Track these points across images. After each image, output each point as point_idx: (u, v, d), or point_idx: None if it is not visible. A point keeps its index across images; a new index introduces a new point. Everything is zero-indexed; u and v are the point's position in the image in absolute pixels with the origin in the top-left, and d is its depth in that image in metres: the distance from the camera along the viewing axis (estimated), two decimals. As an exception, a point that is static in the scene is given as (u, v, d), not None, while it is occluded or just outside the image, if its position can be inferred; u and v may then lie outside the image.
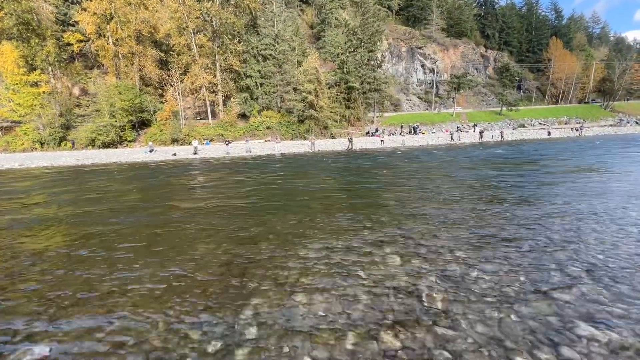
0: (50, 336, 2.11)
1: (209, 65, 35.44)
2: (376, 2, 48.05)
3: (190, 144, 28.84)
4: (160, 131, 33.39)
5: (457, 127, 42.74)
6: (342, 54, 38.47)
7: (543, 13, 75.85)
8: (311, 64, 34.68)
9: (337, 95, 38.05)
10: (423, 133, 40.90)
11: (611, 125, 48.62)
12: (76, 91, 36.73)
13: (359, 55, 38.69)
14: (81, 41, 34.74)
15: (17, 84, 30.65)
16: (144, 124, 34.69)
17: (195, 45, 34.29)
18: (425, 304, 2.35)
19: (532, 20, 71.46)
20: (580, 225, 4.08)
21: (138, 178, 12.29)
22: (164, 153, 25.26)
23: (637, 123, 51.47)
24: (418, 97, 57.41)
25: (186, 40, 33.92)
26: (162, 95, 35.78)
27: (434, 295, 2.45)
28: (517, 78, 61.45)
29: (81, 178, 12.76)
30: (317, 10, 55.60)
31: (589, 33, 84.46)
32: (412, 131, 41.10)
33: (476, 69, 63.47)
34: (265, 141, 32.97)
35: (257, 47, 36.60)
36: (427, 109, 54.27)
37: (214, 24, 35.18)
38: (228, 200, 6.94)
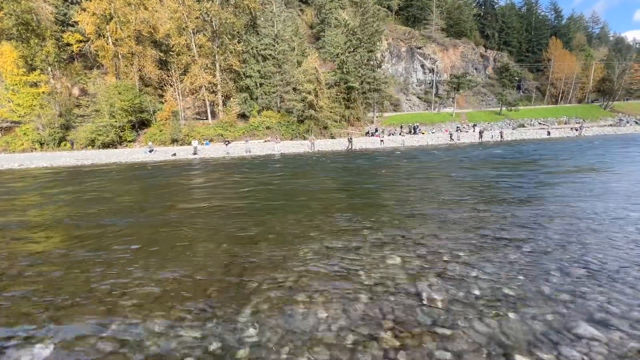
0: (50, 337, 2.11)
1: (209, 66, 35.43)
2: (376, 2, 48.05)
3: (189, 144, 28.83)
4: (160, 131, 33.37)
5: (457, 127, 42.75)
6: (341, 54, 38.46)
7: (542, 13, 75.91)
8: (311, 64, 34.67)
9: (337, 95, 38.05)
10: (423, 133, 40.90)
11: (611, 125, 48.63)
12: (76, 91, 36.70)
13: (358, 55, 38.69)
14: (81, 41, 34.72)
15: (16, 84, 30.63)
16: (143, 124, 34.68)
17: (195, 45, 34.28)
18: (425, 304, 2.34)
19: (532, 20, 71.46)
20: (580, 225, 4.08)
21: (137, 178, 12.28)
22: (164, 153, 25.24)
23: (636, 123, 51.50)
24: (418, 97, 57.41)
25: (186, 41, 33.91)
26: (161, 96, 35.77)
27: (434, 295, 2.45)
28: (516, 78, 61.46)
29: (80, 178, 12.75)
30: (317, 10, 55.58)
31: (588, 33, 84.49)
32: (412, 131, 41.10)
33: (476, 69, 63.48)
34: (265, 141, 32.96)
35: (256, 47, 36.60)
36: (426, 109, 54.27)
37: (213, 24, 35.18)
38: (227, 200, 6.94)
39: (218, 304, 2.44)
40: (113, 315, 2.33)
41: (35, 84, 31.33)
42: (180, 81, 34.31)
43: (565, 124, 49.77)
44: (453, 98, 52.22)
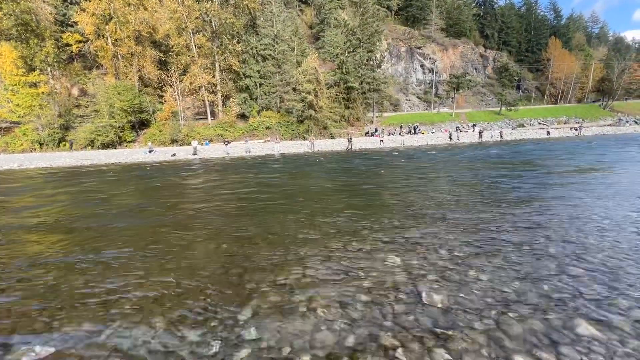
0: (49, 338, 2.10)
1: (208, 66, 35.40)
2: (375, 2, 48.01)
3: (189, 144, 28.81)
4: (160, 131, 33.35)
5: (457, 127, 42.74)
6: (341, 54, 38.44)
7: (542, 13, 75.86)
8: (310, 64, 34.65)
9: (337, 95, 38.03)
10: (422, 133, 40.90)
11: (610, 125, 48.63)
12: (75, 92, 36.66)
13: (358, 56, 38.67)
14: (80, 42, 34.67)
15: (16, 84, 30.59)
16: (143, 124, 34.65)
17: (195, 45, 34.25)
18: (425, 303, 2.34)
19: (531, 20, 71.48)
20: (580, 224, 4.08)
21: (137, 179, 12.27)
22: (164, 153, 25.23)
23: (636, 122, 51.52)
24: (417, 97, 57.41)
25: (185, 41, 33.88)
26: (161, 96, 35.73)
27: (434, 295, 2.45)
28: (516, 78, 61.46)
29: (80, 179, 12.74)
30: (317, 11, 55.56)
31: (587, 33, 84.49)
32: (412, 131, 41.10)
33: (475, 68, 63.48)
34: (265, 141, 32.94)
35: (256, 47, 36.58)
36: (426, 109, 54.26)
37: (213, 24, 35.15)
38: (227, 200, 6.94)
39: (218, 304, 2.44)
40: (113, 315, 2.33)
41: (34, 84, 31.29)
42: (180, 81, 34.28)
43: (564, 123, 49.77)
44: (453, 98, 52.21)
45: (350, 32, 39.49)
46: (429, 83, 57.83)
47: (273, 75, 37.10)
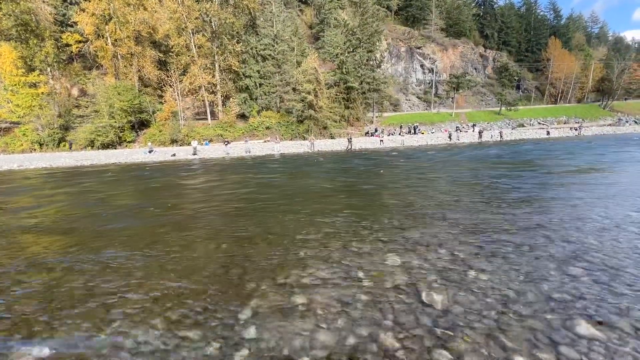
0: (48, 339, 2.10)
1: (208, 66, 35.40)
2: (375, 2, 48.03)
3: (189, 144, 28.80)
4: (160, 132, 33.35)
5: (457, 127, 42.74)
6: (341, 54, 38.45)
7: (542, 13, 75.87)
8: (310, 64, 34.65)
9: (337, 95, 38.03)
10: (422, 133, 40.90)
11: (610, 125, 48.66)
12: (75, 92, 36.65)
13: (358, 56, 38.68)
14: (80, 42, 34.67)
15: (15, 84, 30.57)
16: (143, 124, 34.64)
17: (194, 45, 34.24)
18: (425, 303, 2.34)
19: (531, 20, 71.50)
20: (579, 224, 4.08)
21: (137, 179, 12.27)
22: (164, 154, 25.23)
23: (635, 122, 51.55)
24: (417, 97, 57.40)
25: (185, 41, 33.87)
26: (161, 96, 35.73)
27: (434, 295, 2.44)
28: (516, 78, 61.47)
29: (79, 179, 12.73)
30: (316, 11, 55.56)
31: (587, 33, 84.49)
32: (412, 131, 41.11)
33: (475, 68, 63.49)
34: (265, 141, 32.94)
35: (256, 48, 36.57)
36: (426, 109, 54.27)
37: (212, 24, 35.15)
38: (227, 201, 6.94)
39: (218, 304, 2.44)
40: (112, 316, 2.33)
41: (34, 85, 31.27)
42: (180, 81, 34.28)
43: (564, 123, 49.80)
44: (452, 98, 52.23)
45: (350, 32, 39.50)
46: (429, 83, 57.84)
47: (273, 75, 37.10)
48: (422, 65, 58.44)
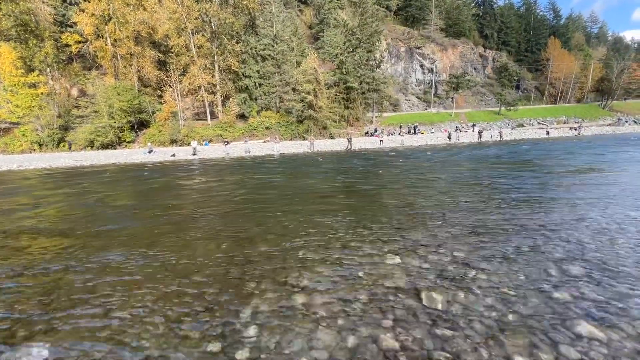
0: (48, 339, 2.10)
1: (208, 66, 35.38)
2: (375, 2, 48.05)
3: (189, 144, 28.79)
4: (159, 132, 33.33)
5: (456, 127, 42.75)
6: (340, 54, 38.45)
7: (541, 13, 75.92)
8: (310, 64, 34.65)
9: (336, 95, 38.03)
10: (422, 133, 40.91)
11: (609, 125, 48.69)
12: (75, 92, 36.63)
13: (357, 56, 38.69)
14: (79, 42, 34.62)
15: (15, 85, 30.53)
16: (142, 124, 34.62)
17: (194, 45, 34.23)
18: (424, 304, 2.34)
19: (531, 20, 71.55)
20: (579, 224, 4.08)
21: (137, 179, 12.26)
22: (163, 154, 25.22)
23: (635, 122, 51.58)
24: (417, 97, 57.41)
25: (185, 41, 33.85)
26: (160, 96, 35.72)
27: (433, 295, 2.44)
28: (515, 78, 61.52)
29: (79, 180, 12.73)
30: (316, 11, 55.56)
31: (587, 33, 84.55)
32: (411, 131, 41.12)
33: (475, 68, 63.51)
34: (264, 141, 32.94)
35: (255, 48, 36.57)
36: (426, 109, 54.27)
37: (212, 24, 35.14)
38: (227, 201, 6.94)
39: (218, 304, 2.44)
40: (112, 316, 2.33)
41: (33, 85, 31.23)
42: (179, 82, 34.27)
43: (564, 123, 49.82)
44: (452, 98, 52.26)
45: (350, 32, 39.52)
46: (429, 83, 57.86)
47: (272, 76, 37.09)
48: (421, 65, 58.46)
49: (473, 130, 40.26)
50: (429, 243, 3.57)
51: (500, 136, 33.09)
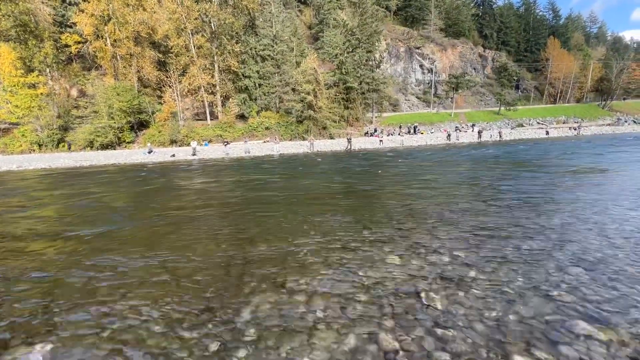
0: (47, 340, 2.10)
1: (208, 66, 35.36)
2: (374, 2, 48.06)
3: (188, 145, 28.77)
4: (159, 132, 33.31)
5: (456, 127, 42.76)
6: (340, 54, 38.45)
7: (541, 13, 76.04)
8: (310, 64, 34.65)
9: (336, 95, 38.03)
10: (422, 133, 40.91)
11: (609, 125, 48.72)
12: (74, 93, 36.60)
13: (357, 56, 38.69)
14: (79, 42, 34.59)
15: (14, 85, 30.51)
16: (142, 125, 34.60)
17: (194, 46, 34.22)
18: (424, 304, 2.34)
19: (530, 20, 71.62)
20: (579, 224, 4.08)
21: (137, 179, 12.25)
22: (163, 154, 25.20)
23: (634, 122, 51.63)
24: (416, 97, 57.43)
25: (184, 41, 33.83)
26: (160, 97, 35.69)
27: (433, 295, 2.45)
28: (515, 78, 61.51)
29: (79, 180, 12.72)
30: (316, 11, 55.55)
31: (586, 33, 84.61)
32: (411, 131, 41.13)
33: (474, 68, 63.54)
34: (264, 142, 32.93)
35: (255, 48, 36.56)
36: (425, 109, 54.31)
37: (212, 24, 35.13)
38: (226, 201, 6.93)
39: (218, 304, 2.44)
40: (112, 316, 2.32)
41: (33, 86, 31.20)
42: (179, 82, 34.25)
43: (563, 123, 49.86)
44: (452, 98, 52.28)
45: (349, 32, 39.52)
46: (428, 83, 57.88)
47: (272, 76, 37.08)
48: (421, 66, 58.49)
49: (473, 130, 40.28)
50: (428, 243, 3.57)
51: (500, 136, 33.11)
